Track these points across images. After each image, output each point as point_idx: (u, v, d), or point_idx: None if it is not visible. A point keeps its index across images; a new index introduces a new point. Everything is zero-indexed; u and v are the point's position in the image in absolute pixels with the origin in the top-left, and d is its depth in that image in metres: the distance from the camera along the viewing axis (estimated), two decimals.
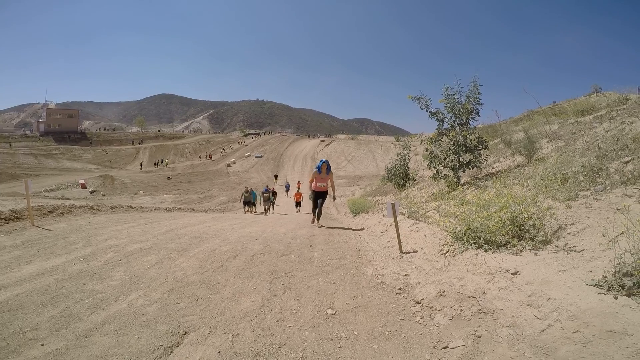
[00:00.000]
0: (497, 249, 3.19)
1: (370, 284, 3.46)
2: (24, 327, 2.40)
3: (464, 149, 6.88)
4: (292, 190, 27.17)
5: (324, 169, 7.01)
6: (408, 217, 5.76)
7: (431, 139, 7.64)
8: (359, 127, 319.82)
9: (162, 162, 51.24)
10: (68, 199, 15.62)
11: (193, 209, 16.69)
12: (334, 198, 7.40)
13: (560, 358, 1.80)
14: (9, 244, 4.50)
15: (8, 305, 2.73)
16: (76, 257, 4.02)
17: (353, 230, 6.81)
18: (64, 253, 4.19)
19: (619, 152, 4.29)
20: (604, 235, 2.70)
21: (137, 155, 57.40)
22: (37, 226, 5.62)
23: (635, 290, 1.99)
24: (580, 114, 9.46)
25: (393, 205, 4.37)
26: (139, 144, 66.00)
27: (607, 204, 3.16)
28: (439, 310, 2.69)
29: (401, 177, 11.51)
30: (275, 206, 19.18)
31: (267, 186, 19.27)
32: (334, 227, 7.10)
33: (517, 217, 3.27)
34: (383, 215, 7.14)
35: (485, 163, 7.35)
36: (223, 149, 63.56)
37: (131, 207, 11.13)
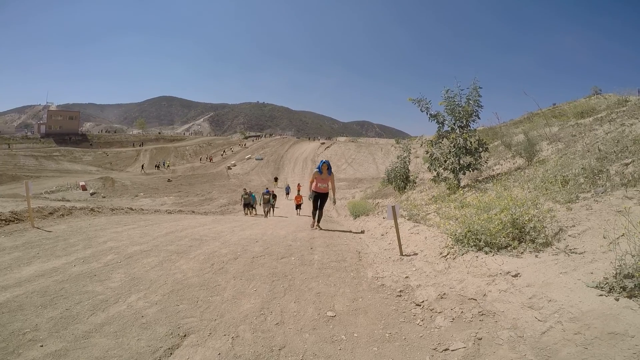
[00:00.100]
0: (498, 251, 3.18)
1: (371, 286, 3.45)
2: (24, 328, 2.40)
3: (464, 151, 6.88)
4: (293, 193, 27.17)
5: (325, 169, 6.93)
6: (408, 219, 5.75)
7: (431, 141, 7.65)
8: (359, 130, 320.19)
9: (163, 165, 51.30)
10: (68, 200, 15.62)
11: (193, 211, 16.68)
12: (334, 202, 7.24)
13: None
14: (9, 245, 4.50)
15: (8, 307, 2.72)
16: (76, 259, 4.02)
17: (353, 232, 6.80)
18: (64, 255, 4.18)
19: (619, 154, 4.29)
20: (604, 237, 2.69)
21: (138, 158, 57.49)
22: (38, 228, 5.62)
23: (636, 292, 1.98)
24: (580, 116, 9.47)
25: (393, 207, 4.37)
26: (140, 146, 66.12)
27: (608, 206, 3.15)
28: (439, 313, 2.69)
29: (401, 180, 11.52)
30: (275, 209, 19.17)
31: (268, 188, 19.28)
32: (334, 230, 7.10)
33: (517, 219, 3.27)
34: (383, 218, 7.14)
35: (485, 165, 7.35)
36: (224, 152, 63.66)
37: (131, 209, 11.13)
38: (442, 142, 7.42)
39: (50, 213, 6.87)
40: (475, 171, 7.13)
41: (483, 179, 7.14)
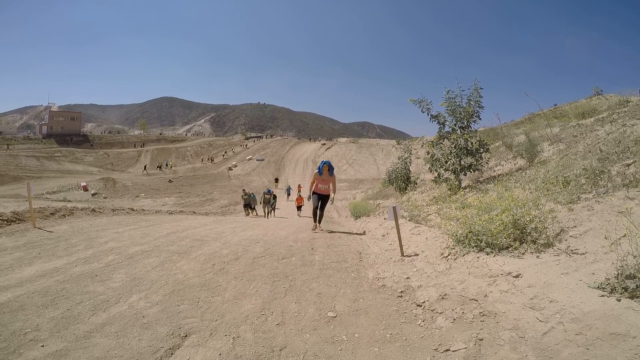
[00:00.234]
0: (499, 252, 3.18)
1: (372, 287, 3.45)
2: (25, 328, 2.40)
3: (465, 152, 6.88)
4: (294, 194, 27.15)
5: (325, 170, 6.78)
6: (409, 220, 5.75)
7: (432, 142, 7.64)
8: (360, 131, 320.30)
9: (166, 165, 51.37)
10: (70, 201, 15.64)
11: (194, 212, 16.69)
12: (331, 200, 7.06)
13: None
14: (11, 245, 4.51)
15: (9, 307, 2.73)
16: (77, 259, 4.03)
17: (354, 233, 6.80)
18: (66, 255, 4.19)
19: (621, 155, 4.28)
20: (606, 238, 2.69)
21: (139, 158, 57.58)
22: (39, 228, 5.63)
23: (638, 293, 1.98)
24: (581, 117, 9.46)
25: (394, 208, 4.36)
26: (141, 146, 66.23)
27: (609, 207, 3.15)
28: (440, 313, 2.68)
29: (402, 181, 11.51)
30: (276, 210, 19.17)
31: (269, 188, 19.30)
32: (335, 231, 7.10)
33: (518, 220, 3.26)
34: (384, 219, 7.13)
35: (486, 166, 7.34)
36: (225, 152, 63.73)
37: (132, 209, 11.15)
38: (443, 143, 7.41)
39: (51, 213, 6.88)
40: (476, 172, 7.12)
41: (484, 179, 7.13)
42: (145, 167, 49.96)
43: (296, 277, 3.69)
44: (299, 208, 19.13)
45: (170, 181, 37.06)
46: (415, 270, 3.69)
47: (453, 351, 2.19)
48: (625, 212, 2.79)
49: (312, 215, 7.12)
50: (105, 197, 26.79)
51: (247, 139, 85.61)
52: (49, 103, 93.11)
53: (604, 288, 2.12)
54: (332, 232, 6.74)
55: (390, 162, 14.48)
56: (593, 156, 4.68)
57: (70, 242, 4.84)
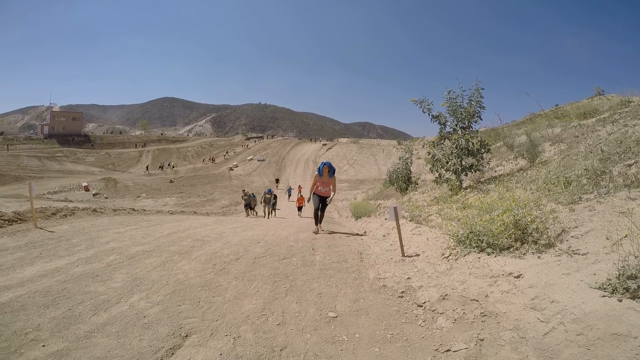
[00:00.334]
0: (500, 252, 3.17)
1: (372, 287, 3.45)
2: (26, 328, 2.41)
3: (466, 152, 6.87)
4: (294, 195, 27.14)
5: (325, 171, 6.57)
6: (410, 220, 5.74)
7: (433, 142, 7.64)
8: (361, 131, 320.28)
9: (169, 165, 51.45)
10: (71, 201, 15.68)
11: (195, 212, 16.71)
12: (329, 201, 6.77)
13: None
14: (12, 245, 4.52)
15: (10, 306, 2.73)
16: (79, 259, 4.04)
17: (355, 233, 6.79)
18: (67, 255, 4.20)
19: (622, 155, 4.27)
20: (607, 239, 2.68)
21: (140, 159, 57.68)
22: (40, 228, 5.64)
23: (639, 293, 1.97)
24: (582, 117, 9.44)
25: (395, 208, 4.36)
26: (142, 147, 66.34)
27: (611, 207, 3.14)
28: (441, 314, 2.68)
29: (403, 181, 11.50)
30: (277, 210, 19.17)
31: (271, 189, 19.32)
32: (336, 232, 7.09)
33: (520, 220, 3.26)
34: (385, 219, 7.13)
35: (487, 167, 7.33)
36: (227, 152, 63.81)
37: (134, 209, 11.16)
38: (444, 143, 7.41)
39: (53, 213, 6.90)
40: (477, 172, 7.11)
41: (485, 180, 7.12)
42: (147, 167, 50.06)
43: (297, 277, 3.69)
44: (299, 208, 19.12)
45: (171, 181, 37.10)
46: (416, 270, 3.69)
47: (454, 351, 2.19)
48: (626, 212, 2.78)
49: (313, 217, 6.92)
50: (107, 197, 26.84)
51: (248, 139, 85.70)
52: (50, 103, 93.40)
53: (605, 288, 2.11)
54: (332, 232, 6.74)
55: (391, 163, 14.48)
56: (594, 156, 4.67)
57: (71, 242, 4.85)
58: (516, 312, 2.31)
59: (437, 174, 7.49)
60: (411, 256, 4.17)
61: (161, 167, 50.05)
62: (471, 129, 7.06)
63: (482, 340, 2.20)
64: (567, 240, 2.95)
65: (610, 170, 3.94)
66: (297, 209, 19.46)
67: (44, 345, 2.22)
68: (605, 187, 3.58)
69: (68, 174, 41.05)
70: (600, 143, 5.41)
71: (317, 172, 6.66)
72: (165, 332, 2.45)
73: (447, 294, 2.90)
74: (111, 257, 4.20)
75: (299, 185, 30.71)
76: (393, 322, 2.68)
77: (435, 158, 7.39)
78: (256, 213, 18.17)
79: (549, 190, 4.14)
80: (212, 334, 2.47)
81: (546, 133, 8.37)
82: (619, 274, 2.12)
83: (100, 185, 31.35)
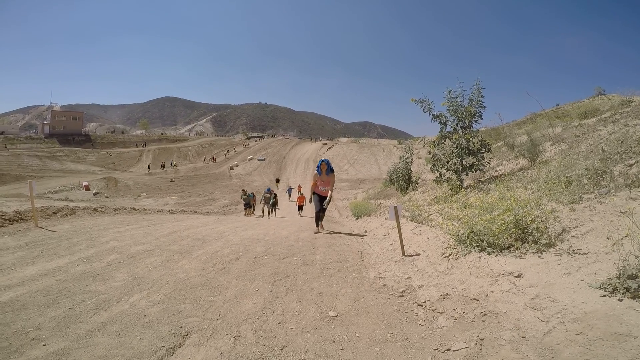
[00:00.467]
0: (501, 251, 3.17)
1: (373, 286, 3.45)
2: (27, 328, 2.41)
3: (466, 152, 6.87)
4: (295, 195, 27.11)
5: (324, 169, 6.45)
6: (410, 220, 5.74)
7: (434, 142, 7.63)
8: (361, 131, 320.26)
9: (171, 164, 51.48)
10: (71, 200, 15.70)
11: (196, 212, 16.72)
12: (327, 202, 6.51)
13: None
14: (13, 244, 4.53)
15: (11, 306, 2.74)
16: (79, 258, 4.04)
17: (355, 233, 6.79)
18: (67, 254, 4.21)
19: (623, 155, 4.26)
20: (608, 238, 2.68)
21: (141, 158, 57.71)
22: (41, 227, 5.65)
23: (639, 293, 1.97)
24: (583, 117, 9.43)
25: (395, 208, 4.36)
26: (143, 146, 66.37)
27: (612, 207, 3.13)
28: (441, 313, 2.68)
29: (404, 181, 11.51)
30: (277, 210, 19.16)
31: (271, 188, 19.31)
32: (337, 231, 7.09)
33: (520, 220, 3.25)
34: (385, 219, 7.13)
35: (488, 166, 7.33)
36: (227, 151, 63.86)
37: (134, 209, 11.17)
38: (445, 142, 7.41)
39: (53, 213, 6.90)
40: (478, 172, 7.11)
41: (486, 179, 7.11)
42: (149, 166, 50.13)
43: (297, 276, 3.69)
44: (300, 208, 19.10)
45: (171, 181, 37.12)
46: (416, 270, 3.69)
47: (454, 351, 2.19)
48: (627, 212, 2.78)
49: (314, 218, 6.78)
50: (107, 197, 26.85)
51: (248, 138, 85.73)
52: (51, 103, 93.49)
53: (605, 288, 2.11)
54: (333, 232, 6.73)
55: (391, 162, 14.48)
56: (595, 156, 4.67)
57: (72, 241, 4.85)
58: (516, 312, 2.31)
59: (437, 174, 7.49)
60: (411, 255, 4.17)
61: (163, 166, 50.09)
62: (472, 129, 7.05)
63: (483, 339, 2.20)
64: (567, 240, 2.95)
65: (611, 170, 3.94)
66: (297, 208, 19.44)
67: (44, 345, 2.22)
68: (606, 187, 3.58)
69: (69, 174, 41.09)
70: (601, 143, 5.40)
71: (316, 171, 6.57)
72: (165, 331, 2.46)
73: (447, 294, 2.90)
74: (112, 256, 4.20)
75: (299, 185, 30.68)
76: (393, 322, 2.69)
77: (436, 157, 7.39)
78: (253, 212, 18.16)
79: (549, 190, 4.13)
80: (212, 333, 2.48)
81: (547, 133, 8.36)
82: (620, 274, 2.12)
83: (100, 184, 31.38)
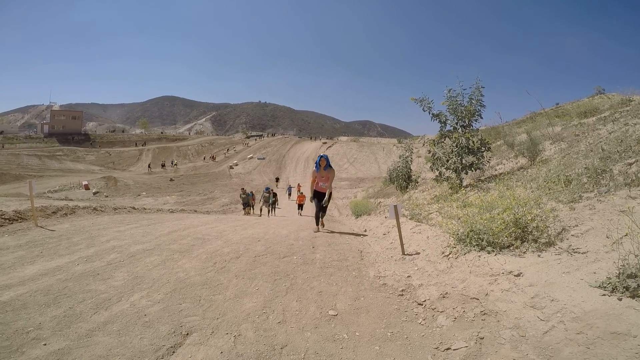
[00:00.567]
0: (500, 250, 3.17)
1: (373, 285, 3.45)
2: (27, 327, 2.42)
3: (466, 151, 6.87)
4: (295, 194, 27.10)
5: (323, 164, 6.28)
6: (410, 219, 5.75)
7: (433, 141, 7.64)
8: (361, 129, 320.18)
9: (172, 163, 51.48)
10: (71, 200, 15.68)
11: (195, 211, 16.72)
12: (327, 200, 6.38)
13: (563, 359, 1.79)
14: (13, 244, 4.53)
15: (11, 305, 2.74)
16: (79, 258, 4.04)
17: (355, 232, 6.80)
18: (67, 253, 4.20)
19: (623, 154, 4.26)
20: (607, 237, 2.68)
21: (140, 157, 57.67)
22: (41, 227, 5.65)
23: (639, 292, 1.97)
24: (583, 116, 9.43)
25: (395, 207, 4.36)
26: (142, 145, 66.33)
27: (611, 206, 3.14)
28: (441, 312, 2.69)
29: (403, 179, 11.51)
30: (277, 209, 19.15)
31: (268, 186, 19.29)
32: (336, 230, 7.09)
33: (520, 219, 3.26)
34: (385, 217, 7.13)
35: (488, 165, 7.33)
36: (227, 150, 63.86)
37: (134, 208, 11.17)
38: (445, 141, 7.41)
39: (53, 212, 6.90)
40: (478, 171, 7.11)
41: (485, 178, 7.12)
42: (149, 165, 50.13)
43: (297, 275, 3.70)
44: (300, 207, 19.10)
45: (171, 180, 37.12)
46: (416, 269, 3.70)
47: (454, 350, 2.19)
48: (627, 211, 2.78)
49: (314, 217, 6.71)
50: (107, 196, 26.84)
51: (248, 137, 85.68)
52: (50, 102, 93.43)
53: (605, 287, 2.12)
54: (332, 231, 6.74)
55: (391, 161, 14.48)
56: (595, 155, 4.67)
57: (72, 240, 4.85)
58: (516, 311, 2.32)
59: (437, 173, 7.49)
60: (411, 254, 4.18)
61: (163, 165, 50.10)
62: (471, 128, 7.06)
63: (482, 338, 2.21)
64: (567, 239, 2.95)
65: (611, 169, 3.94)
66: (297, 207, 19.43)
67: (45, 344, 2.22)
68: (606, 186, 3.58)
69: (68, 173, 41.08)
70: (600, 142, 5.41)
71: (314, 168, 6.41)
72: (166, 331, 2.46)
73: (447, 293, 2.90)
74: (112, 255, 4.20)
75: (298, 184, 30.63)
76: (393, 321, 2.69)
77: (436, 156, 7.39)
78: (252, 211, 18.15)
79: (549, 189, 4.14)
80: (212, 332, 2.48)
81: (547, 132, 8.36)
82: (619, 273, 2.13)
83: (100, 183, 31.38)
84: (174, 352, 2.22)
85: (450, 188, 6.97)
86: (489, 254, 3.18)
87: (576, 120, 9.05)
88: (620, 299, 1.98)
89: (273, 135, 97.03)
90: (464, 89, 6.84)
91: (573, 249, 2.75)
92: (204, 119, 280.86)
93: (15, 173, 36.63)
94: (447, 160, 7.15)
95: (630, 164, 3.87)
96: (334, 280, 3.56)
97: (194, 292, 3.17)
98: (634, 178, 3.45)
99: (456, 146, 6.95)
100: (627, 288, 2.02)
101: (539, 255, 2.88)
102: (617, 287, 2.06)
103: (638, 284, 1.99)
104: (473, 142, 6.90)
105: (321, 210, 6.54)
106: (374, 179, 36.02)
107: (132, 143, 69.10)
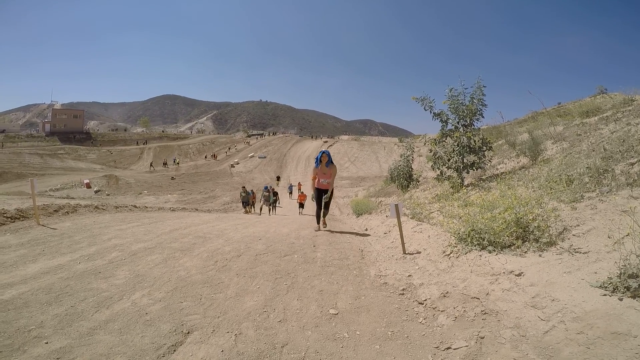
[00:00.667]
0: (501, 250, 3.17)
1: (374, 284, 3.45)
2: (29, 325, 2.42)
3: (467, 150, 6.86)
4: (296, 192, 27.11)
5: (324, 160, 6.06)
6: (411, 218, 5.75)
7: (435, 140, 7.63)
8: (362, 128, 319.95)
9: (174, 162, 51.55)
10: (73, 198, 15.73)
11: (197, 209, 16.75)
12: (327, 197, 6.23)
13: (563, 359, 1.79)
14: (15, 242, 4.54)
15: (13, 304, 2.75)
16: (81, 256, 4.05)
17: (356, 231, 6.80)
18: (69, 252, 4.22)
19: (625, 154, 4.25)
20: (609, 237, 2.68)
21: (142, 156, 57.77)
22: (43, 225, 5.67)
23: None
24: (585, 115, 9.41)
25: (396, 206, 4.36)
26: (143, 144, 66.43)
27: (613, 206, 3.13)
28: (442, 311, 2.69)
29: (404, 178, 11.51)
30: (278, 207, 19.16)
31: (267, 185, 19.28)
32: (337, 229, 7.09)
33: (521, 218, 3.26)
34: (386, 216, 7.13)
35: (489, 164, 7.33)
36: (229, 149, 63.93)
37: (135, 206, 11.19)
38: (446, 140, 7.41)
39: (55, 210, 6.92)
40: (479, 170, 7.11)
41: (487, 177, 7.11)
42: (151, 163, 50.24)
43: (298, 274, 3.70)
44: (301, 205, 19.10)
45: (172, 178, 37.18)
46: (417, 268, 3.70)
47: (454, 349, 2.19)
48: (628, 211, 2.78)
49: (315, 216, 6.59)
50: (108, 194, 26.91)
51: (249, 136, 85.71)
52: (52, 101, 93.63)
53: (606, 287, 2.12)
54: (333, 230, 6.74)
55: (392, 160, 14.47)
56: (597, 155, 4.66)
57: (73, 239, 4.86)
58: (517, 310, 2.32)
59: (438, 172, 7.49)
60: (412, 254, 4.18)
61: (165, 164, 50.20)
62: (473, 127, 7.05)
63: (483, 338, 2.21)
64: (568, 239, 2.95)
65: (613, 169, 3.93)
66: (298, 205, 19.44)
67: (47, 343, 2.23)
68: (608, 186, 3.58)
69: (70, 171, 41.17)
70: (602, 141, 5.39)
71: (315, 165, 6.18)
72: (167, 329, 2.46)
73: (448, 292, 2.90)
74: (113, 254, 4.21)
75: (299, 183, 30.63)
76: (394, 320, 2.69)
77: (437, 155, 7.38)
78: (253, 210, 18.17)
79: (550, 189, 4.13)
80: (213, 330, 2.49)
81: (548, 131, 8.35)
82: (620, 273, 2.12)
83: (102, 182, 31.45)
84: (175, 350, 2.23)
85: (452, 187, 6.97)
86: (490, 253, 3.18)
87: (578, 120, 9.03)
88: (621, 299, 1.98)
89: (274, 134, 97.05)
90: (466, 88, 6.84)
91: (574, 249, 2.74)
92: (205, 118, 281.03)
93: (17, 171, 36.72)
94: (449, 160, 7.15)
95: (633, 164, 3.86)
96: (334, 279, 3.56)
97: (195, 291, 3.17)
98: (636, 178, 3.44)
99: (457, 145, 6.95)
100: (628, 288, 2.02)
101: (540, 255, 2.87)
102: (618, 287, 2.06)
103: (639, 284, 1.99)
104: (474, 141, 6.89)
105: (324, 207, 6.35)
106: (375, 178, 36.02)
107: (133, 142, 69.26)
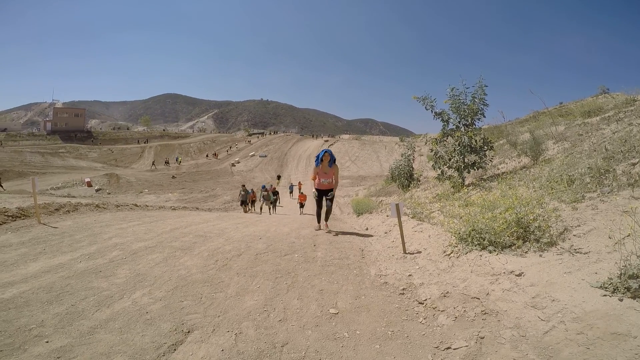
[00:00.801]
0: (502, 250, 3.17)
1: (374, 284, 3.45)
2: (30, 324, 2.43)
3: (469, 149, 6.85)
4: (297, 192, 27.11)
5: (326, 160, 5.84)
6: (412, 217, 5.74)
7: (436, 139, 7.62)
8: (363, 128, 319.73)
9: (176, 160, 51.57)
10: (74, 197, 15.76)
11: (197, 208, 16.76)
12: (331, 197, 6.03)
13: (563, 359, 1.79)
14: (16, 241, 4.55)
15: (14, 303, 2.76)
16: (82, 255, 4.06)
17: (357, 230, 6.80)
18: (70, 251, 4.23)
19: (627, 154, 4.24)
20: (610, 238, 2.67)
21: (143, 154, 57.80)
22: (44, 224, 5.68)
23: None
24: (587, 115, 9.39)
25: (397, 205, 4.36)
26: (144, 143, 66.47)
27: (614, 206, 3.13)
28: (442, 311, 2.68)
29: (405, 178, 11.50)
30: (278, 207, 19.16)
31: (265, 184, 19.27)
32: (338, 230, 7.09)
33: (522, 218, 3.25)
34: (387, 216, 7.13)
35: (490, 164, 7.32)
36: (229, 148, 63.94)
37: (136, 205, 11.20)
38: (447, 140, 7.40)
39: (56, 209, 6.93)
40: (480, 170, 7.10)
41: (488, 177, 7.10)
42: (153, 162, 50.30)
43: (298, 273, 3.70)
44: (301, 205, 19.10)
45: (173, 177, 37.22)
46: (417, 267, 3.69)
47: (454, 349, 2.19)
48: (630, 211, 2.77)
49: (315, 215, 6.46)
50: (109, 193, 26.95)
51: (250, 135, 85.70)
52: (53, 100, 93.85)
53: (606, 288, 2.11)
54: (334, 229, 6.73)
55: (393, 159, 14.46)
56: (598, 155, 4.65)
57: (74, 238, 4.87)
58: (517, 311, 2.31)
59: (439, 171, 7.48)
60: (413, 253, 4.18)
61: (167, 162, 50.23)
62: (474, 126, 7.04)
63: (483, 338, 2.21)
64: (569, 239, 2.94)
65: (614, 169, 3.92)
66: (298, 205, 19.43)
67: (47, 342, 2.24)
68: (609, 186, 3.57)
69: (71, 170, 41.24)
70: (604, 141, 5.38)
71: (315, 164, 5.94)
72: (167, 328, 2.47)
73: (448, 292, 2.90)
74: (114, 253, 4.22)
75: (299, 182, 30.63)
76: (394, 319, 2.69)
77: (438, 155, 7.37)
78: (253, 209, 18.17)
79: (551, 189, 4.12)
80: (214, 329, 2.49)
81: (550, 131, 8.33)
82: (621, 273, 2.12)
83: (102, 181, 31.51)
84: (175, 349, 2.23)
85: (452, 187, 6.96)
86: (490, 253, 3.18)
87: (580, 120, 9.01)
88: (621, 300, 1.97)
89: (275, 133, 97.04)
90: (467, 88, 6.83)
91: (575, 249, 2.74)
92: (206, 117, 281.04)
93: (18, 170, 36.78)
94: (450, 159, 7.14)
95: (634, 164, 3.85)
96: (335, 279, 3.56)
97: (195, 290, 3.18)
98: (637, 178, 3.44)
99: (459, 145, 6.94)
100: (628, 289, 2.02)
101: (540, 255, 2.87)
102: (618, 288, 2.06)
103: (639, 285, 1.98)
104: (475, 140, 6.88)
105: (326, 206, 6.14)
106: (375, 177, 36.00)
107: (134, 140, 69.28)
